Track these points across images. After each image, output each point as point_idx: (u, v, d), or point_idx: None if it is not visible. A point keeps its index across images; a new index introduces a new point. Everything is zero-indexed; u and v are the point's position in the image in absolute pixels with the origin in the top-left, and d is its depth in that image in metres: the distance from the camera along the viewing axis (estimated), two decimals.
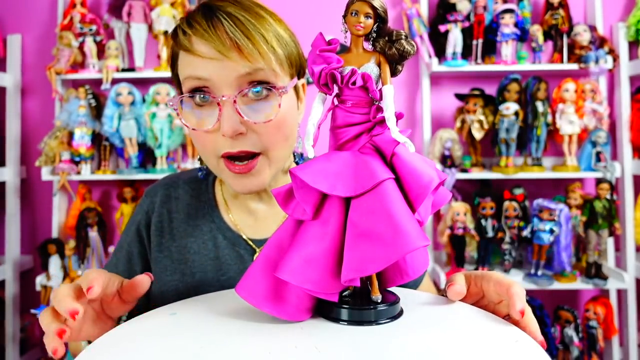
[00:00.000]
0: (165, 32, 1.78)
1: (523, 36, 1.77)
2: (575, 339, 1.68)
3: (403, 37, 0.41)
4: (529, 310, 0.47)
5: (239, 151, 0.60)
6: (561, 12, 1.77)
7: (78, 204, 1.83)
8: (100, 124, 1.77)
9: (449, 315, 0.46)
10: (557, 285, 1.65)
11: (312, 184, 0.40)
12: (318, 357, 0.36)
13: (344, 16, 0.42)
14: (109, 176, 1.79)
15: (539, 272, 1.67)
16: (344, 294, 0.45)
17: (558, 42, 1.79)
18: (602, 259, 1.71)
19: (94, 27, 1.82)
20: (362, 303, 0.44)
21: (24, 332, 1.93)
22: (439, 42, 1.80)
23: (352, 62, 0.42)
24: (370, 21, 0.41)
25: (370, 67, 0.42)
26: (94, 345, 0.40)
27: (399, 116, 0.43)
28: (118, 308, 0.55)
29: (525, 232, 1.66)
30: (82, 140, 1.75)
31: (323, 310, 0.44)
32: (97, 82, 1.82)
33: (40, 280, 1.78)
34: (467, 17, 1.76)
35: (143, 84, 1.85)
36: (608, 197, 1.68)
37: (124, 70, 1.82)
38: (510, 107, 1.69)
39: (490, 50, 1.80)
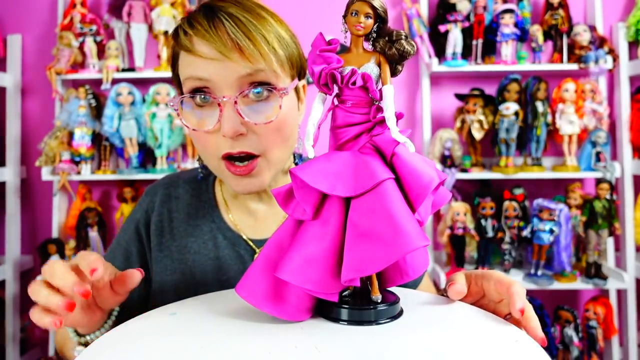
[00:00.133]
0: (166, 32, 1.78)
1: (523, 36, 1.77)
2: (575, 339, 1.68)
3: (403, 37, 0.41)
4: (529, 308, 0.47)
5: (239, 152, 0.61)
6: (561, 12, 1.77)
7: (78, 204, 1.83)
8: (101, 124, 1.77)
9: (449, 315, 0.46)
10: (557, 285, 1.65)
11: (312, 184, 0.40)
12: (318, 357, 0.36)
13: (344, 16, 0.42)
14: (109, 176, 1.79)
15: (539, 272, 1.67)
16: (344, 294, 0.45)
17: (558, 42, 1.79)
18: (602, 259, 1.71)
19: (94, 27, 1.82)
20: (362, 303, 0.44)
21: (24, 332, 1.93)
22: (439, 42, 1.80)
23: (352, 62, 0.42)
24: (370, 21, 0.41)
25: (370, 67, 0.42)
26: (94, 345, 0.40)
27: (399, 116, 0.43)
28: (108, 299, 0.54)
29: (525, 232, 1.66)
30: (82, 140, 1.75)
31: (323, 310, 0.45)
32: (97, 82, 1.82)
33: None
34: (467, 17, 1.76)
35: (143, 84, 1.85)
36: (608, 197, 1.68)
37: (124, 70, 1.82)
38: (510, 107, 1.69)
39: (490, 50, 1.80)
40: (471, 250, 1.71)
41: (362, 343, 0.39)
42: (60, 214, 1.85)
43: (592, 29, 1.79)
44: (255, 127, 0.60)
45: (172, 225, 0.73)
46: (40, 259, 1.80)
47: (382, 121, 0.43)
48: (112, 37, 1.87)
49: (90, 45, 1.80)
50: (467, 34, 1.76)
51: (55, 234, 1.84)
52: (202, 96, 0.60)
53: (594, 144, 1.74)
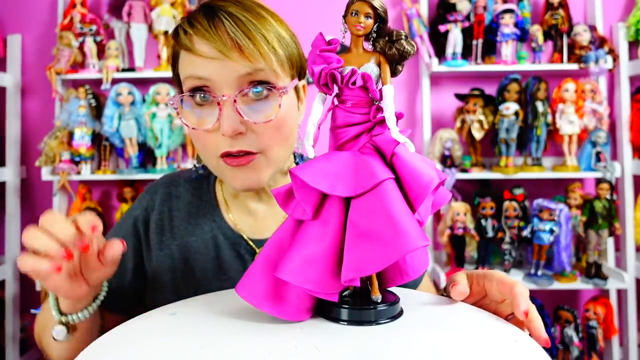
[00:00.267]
0: (165, 32, 1.78)
1: (523, 36, 1.77)
2: (575, 339, 1.68)
3: (403, 37, 0.41)
4: (533, 309, 0.47)
5: (238, 150, 0.61)
6: (561, 12, 1.77)
7: (78, 204, 1.83)
8: (100, 124, 1.77)
9: (449, 315, 0.46)
10: (557, 285, 1.65)
11: (312, 184, 0.40)
12: (318, 357, 0.36)
13: (344, 16, 0.42)
14: (109, 176, 1.79)
15: (539, 272, 1.67)
16: (344, 294, 0.45)
17: (558, 42, 1.79)
18: (602, 259, 1.71)
19: (94, 27, 1.82)
20: (362, 303, 0.44)
21: (24, 332, 1.93)
22: (439, 42, 1.80)
23: (352, 62, 0.42)
24: (370, 21, 0.41)
25: (370, 67, 0.42)
26: (94, 345, 0.40)
27: (399, 116, 0.43)
28: (95, 269, 0.54)
29: (525, 232, 1.66)
30: (82, 140, 1.75)
31: (323, 310, 0.44)
32: (97, 82, 1.82)
33: None
34: (467, 17, 1.76)
35: (143, 84, 1.85)
36: (608, 197, 1.68)
37: (124, 70, 1.82)
38: (510, 107, 1.69)
39: (490, 50, 1.80)
40: (471, 250, 1.71)
41: (362, 343, 0.39)
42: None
43: (592, 29, 1.79)
44: (255, 126, 0.60)
45: (173, 224, 0.73)
46: None
47: (382, 121, 0.43)
48: (112, 37, 1.87)
49: (90, 45, 1.80)
50: (467, 34, 1.76)
51: None
52: (202, 95, 0.60)
53: (594, 144, 1.74)
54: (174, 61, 0.65)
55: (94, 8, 1.93)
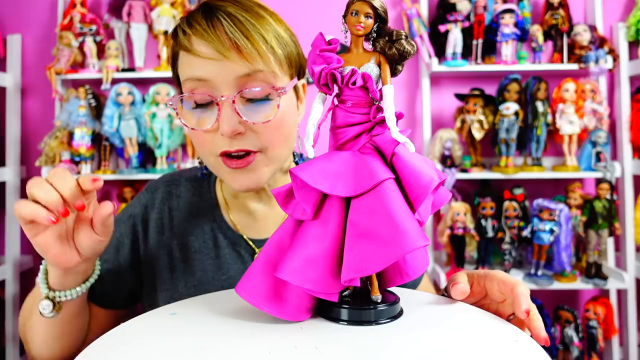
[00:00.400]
0: (165, 32, 1.78)
1: (523, 36, 1.77)
2: (575, 339, 1.68)
3: (403, 37, 0.41)
4: (533, 309, 0.47)
5: (237, 150, 0.61)
6: (561, 12, 1.77)
7: None
8: (100, 124, 1.77)
9: (449, 315, 0.46)
10: (557, 285, 1.65)
11: (312, 184, 0.40)
12: (318, 357, 0.36)
13: (344, 16, 0.42)
14: (109, 176, 1.79)
15: (539, 272, 1.67)
16: (344, 294, 0.45)
17: (558, 42, 1.79)
18: (602, 259, 1.71)
19: (94, 27, 1.82)
20: (362, 303, 0.44)
21: None
22: (439, 42, 1.80)
23: (352, 62, 0.42)
24: (371, 21, 0.41)
25: (370, 67, 0.42)
26: (94, 345, 0.40)
27: (399, 116, 0.43)
28: (86, 237, 0.54)
29: (525, 232, 1.66)
30: (82, 140, 1.75)
31: (323, 310, 0.44)
32: (97, 82, 1.82)
33: None
34: (467, 17, 1.76)
35: (143, 84, 1.85)
36: (608, 197, 1.68)
37: (124, 70, 1.81)
38: (510, 107, 1.69)
39: (490, 50, 1.80)
40: (471, 250, 1.71)
41: (362, 343, 0.39)
42: None
43: (592, 29, 1.79)
44: (254, 127, 0.60)
45: (173, 223, 0.73)
46: (40, 259, 1.79)
47: (382, 121, 0.43)
48: (112, 37, 1.87)
49: (90, 45, 1.80)
50: (467, 34, 1.76)
51: None
52: (201, 96, 0.60)
53: (594, 144, 1.74)
54: (173, 61, 0.65)
55: (94, 8, 1.93)
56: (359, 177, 0.41)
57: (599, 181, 1.70)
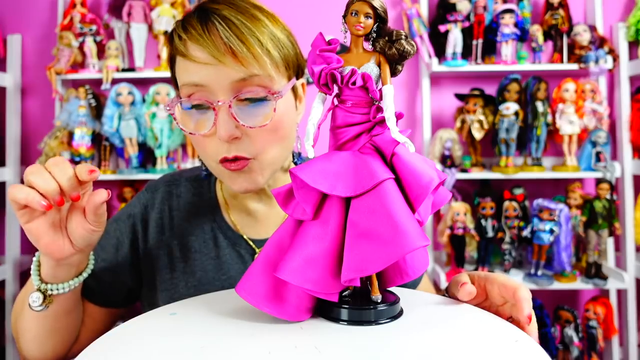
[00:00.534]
0: (165, 32, 1.78)
1: (523, 36, 1.77)
2: (575, 339, 1.68)
3: (403, 37, 0.41)
4: (533, 313, 0.47)
5: (234, 156, 0.61)
6: (561, 12, 1.77)
7: None
8: (100, 124, 1.77)
9: (449, 315, 0.46)
10: (557, 285, 1.65)
11: (312, 184, 0.40)
12: (318, 357, 0.36)
13: (344, 16, 0.42)
14: (109, 176, 1.79)
15: (539, 272, 1.67)
16: (344, 294, 0.45)
17: (558, 42, 1.79)
18: (602, 259, 1.71)
19: (94, 27, 1.82)
20: (362, 303, 0.43)
21: None
22: (439, 42, 1.80)
23: (352, 62, 0.42)
24: (370, 21, 0.41)
25: (370, 67, 0.42)
26: (94, 345, 0.40)
27: (399, 116, 0.43)
28: (78, 224, 0.54)
29: (525, 232, 1.66)
30: (82, 140, 1.75)
31: (323, 310, 0.44)
32: (97, 82, 1.82)
33: None
34: (467, 17, 1.76)
35: (143, 84, 1.85)
36: (608, 197, 1.68)
37: (124, 70, 1.81)
38: (510, 107, 1.69)
39: (490, 50, 1.80)
40: (471, 250, 1.71)
41: (362, 343, 0.39)
42: None
43: (592, 29, 1.79)
44: (250, 131, 0.60)
45: (173, 223, 0.74)
46: None
47: (382, 121, 0.43)
48: (112, 37, 1.87)
49: (90, 45, 1.80)
50: (467, 34, 1.76)
51: None
52: (198, 101, 0.60)
53: (594, 144, 1.74)
54: (171, 64, 0.65)
55: (94, 8, 1.93)
56: (359, 177, 0.41)
57: (599, 181, 1.70)
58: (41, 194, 0.49)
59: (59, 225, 0.54)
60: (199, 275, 0.70)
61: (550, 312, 1.78)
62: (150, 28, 1.84)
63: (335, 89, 0.43)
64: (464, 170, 1.74)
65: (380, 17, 0.41)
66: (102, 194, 0.53)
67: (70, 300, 0.62)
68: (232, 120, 0.59)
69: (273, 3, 0.69)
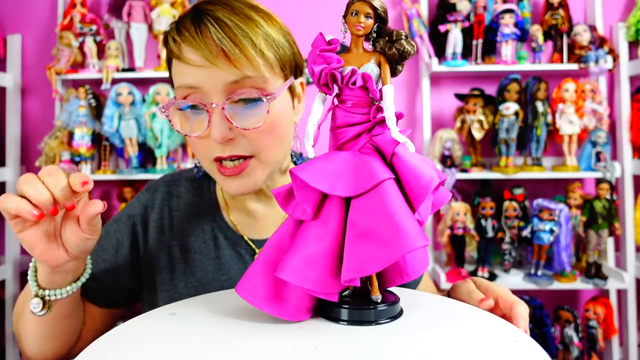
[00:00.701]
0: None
1: (523, 36, 1.77)
2: (575, 339, 1.68)
3: (403, 37, 0.41)
4: (527, 330, 0.48)
5: (229, 155, 0.61)
6: (561, 12, 1.77)
7: None
8: (101, 124, 1.77)
9: (449, 315, 0.46)
10: (557, 285, 1.65)
11: (312, 184, 0.40)
12: (318, 357, 0.36)
13: (344, 16, 0.42)
14: (109, 176, 1.79)
15: (539, 272, 1.67)
16: (344, 294, 0.45)
17: (558, 42, 1.79)
18: (602, 259, 1.71)
19: (94, 27, 1.82)
20: (362, 303, 0.44)
21: None
22: (439, 42, 1.80)
23: (352, 62, 0.42)
24: (371, 21, 0.41)
25: (370, 67, 0.42)
26: (94, 345, 0.40)
27: (399, 116, 0.43)
28: (72, 232, 0.53)
29: (525, 232, 1.66)
30: (82, 140, 1.75)
31: (323, 310, 0.44)
32: (97, 82, 1.82)
33: None
34: (467, 17, 1.76)
35: (143, 84, 1.85)
36: (608, 197, 1.68)
37: (124, 70, 1.82)
38: (510, 107, 1.69)
39: (490, 50, 1.80)
40: (471, 250, 1.71)
41: (362, 343, 0.39)
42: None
43: (592, 29, 1.79)
44: (245, 132, 0.60)
45: (173, 224, 0.73)
46: None
47: (382, 121, 0.43)
48: (112, 37, 1.87)
49: (90, 45, 1.80)
50: (467, 34, 1.76)
51: None
52: (192, 102, 0.61)
53: (594, 144, 1.74)
54: (169, 65, 0.65)
55: (94, 8, 1.93)
56: (359, 177, 0.41)
57: (599, 181, 1.70)
58: (34, 204, 0.48)
59: (53, 233, 0.54)
60: (199, 276, 0.70)
61: (550, 312, 1.78)
62: (150, 28, 1.84)
63: (336, 89, 0.43)
64: (464, 170, 1.74)
65: (380, 17, 0.41)
66: (97, 206, 0.51)
67: (68, 305, 0.62)
68: (225, 122, 0.59)
69: (273, 3, 0.69)
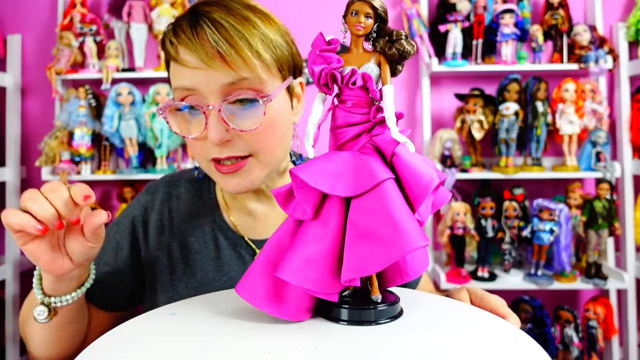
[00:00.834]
0: None
1: (523, 36, 1.77)
2: (575, 339, 1.68)
3: (403, 37, 0.41)
4: None
5: (227, 157, 0.61)
6: (561, 12, 1.77)
7: None
8: (101, 124, 1.77)
9: (449, 315, 0.46)
10: (557, 285, 1.65)
11: (312, 184, 0.40)
12: (318, 357, 0.36)
13: (344, 16, 0.42)
14: (109, 176, 1.79)
15: (539, 272, 1.67)
16: (344, 294, 0.45)
17: (558, 42, 1.79)
18: (602, 259, 1.71)
19: (94, 27, 1.82)
20: (362, 303, 0.44)
21: None
22: (439, 42, 1.80)
23: (352, 62, 0.42)
24: (371, 21, 0.41)
25: (370, 67, 0.42)
26: (94, 345, 0.40)
27: (399, 116, 0.43)
28: (76, 242, 0.54)
29: (525, 232, 1.66)
30: (82, 140, 1.75)
31: (323, 310, 0.44)
32: (97, 82, 1.82)
33: None
34: (467, 17, 1.76)
35: (143, 84, 1.85)
36: (608, 197, 1.68)
37: (124, 70, 1.81)
38: (510, 107, 1.69)
39: (490, 50, 1.80)
40: (471, 250, 1.71)
41: (362, 343, 0.39)
42: None
43: (592, 29, 1.79)
44: (241, 134, 0.60)
45: (173, 224, 0.73)
46: None
47: (382, 121, 0.43)
48: (112, 37, 1.87)
49: (90, 45, 1.80)
50: (467, 34, 1.76)
51: None
52: (189, 105, 0.61)
53: (594, 144, 1.74)
54: (167, 66, 0.66)
55: (94, 8, 1.93)
56: (359, 177, 0.41)
57: (599, 181, 1.70)
58: (38, 220, 0.49)
59: (57, 244, 0.54)
60: (199, 276, 0.70)
61: (550, 312, 1.78)
62: (150, 28, 1.84)
63: (336, 89, 0.43)
64: (464, 170, 1.74)
65: (380, 17, 0.41)
66: (102, 216, 0.52)
67: (72, 311, 0.62)
68: (222, 124, 0.59)
69: (272, 3, 0.69)
